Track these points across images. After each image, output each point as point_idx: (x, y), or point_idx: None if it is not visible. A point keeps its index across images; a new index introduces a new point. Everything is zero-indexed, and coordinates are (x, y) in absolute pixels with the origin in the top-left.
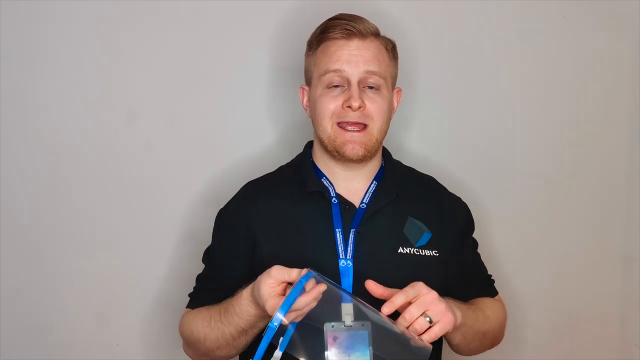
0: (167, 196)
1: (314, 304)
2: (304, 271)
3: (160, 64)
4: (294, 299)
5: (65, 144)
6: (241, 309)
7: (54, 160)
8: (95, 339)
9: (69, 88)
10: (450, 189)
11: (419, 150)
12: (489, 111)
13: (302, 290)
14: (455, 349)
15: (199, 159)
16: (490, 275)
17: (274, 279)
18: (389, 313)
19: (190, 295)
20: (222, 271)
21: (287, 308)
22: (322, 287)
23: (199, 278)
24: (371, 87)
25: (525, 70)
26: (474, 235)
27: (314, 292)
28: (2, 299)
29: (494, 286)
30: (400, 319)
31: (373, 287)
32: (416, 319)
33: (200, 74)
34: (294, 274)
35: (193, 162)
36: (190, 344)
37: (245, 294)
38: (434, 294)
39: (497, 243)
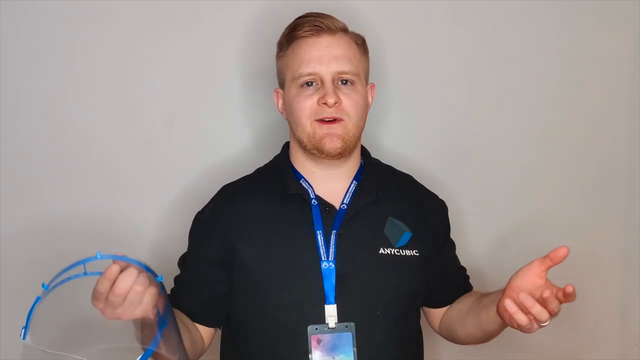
0: (149, 198)
1: (106, 283)
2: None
3: (150, 66)
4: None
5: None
6: None
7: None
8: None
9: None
10: (433, 189)
11: (394, 148)
12: (487, 111)
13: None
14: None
15: (174, 161)
16: (466, 270)
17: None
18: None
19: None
20: (198, 276)
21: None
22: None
23: (176, 280)
24: (345, 83)
25: (521, 69)
26: (456, 234)
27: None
28: (2, 299)
29: (469, 281)
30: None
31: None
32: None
33: (174, 77)
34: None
35: (168, 165)
36: None
37: None
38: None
39: (496, 243)
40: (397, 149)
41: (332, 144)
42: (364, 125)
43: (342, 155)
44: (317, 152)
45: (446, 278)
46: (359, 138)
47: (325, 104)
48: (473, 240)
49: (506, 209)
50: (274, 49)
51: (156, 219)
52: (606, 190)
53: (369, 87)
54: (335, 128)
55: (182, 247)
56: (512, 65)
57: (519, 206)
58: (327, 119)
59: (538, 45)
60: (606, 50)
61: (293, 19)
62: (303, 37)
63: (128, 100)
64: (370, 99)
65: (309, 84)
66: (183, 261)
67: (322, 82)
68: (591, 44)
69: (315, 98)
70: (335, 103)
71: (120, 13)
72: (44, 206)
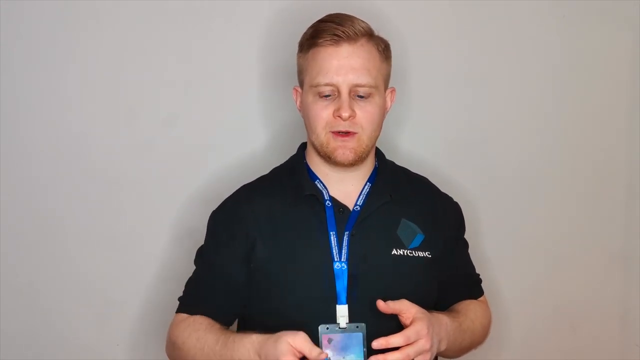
0: (163, 197)
1: None
2: (323, 355)
3: (155, 65)
4: None
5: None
6: (240, 351)
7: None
8: (95, 338)
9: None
10: (447, 191)
11: (411, 150)
12: (486, 111)
13: None
14: None
15: (191, 160)
16: (478, 275)
17: (296, 344)
18: (378, 347)
19: (181, 299)
20: (220, 275)
21: None
22: None
23: (191, 283)
24: (362, 96)
25: (523, 69)
26: (469, 235)
27: None
28: (2, 299)
29: (481, 286)
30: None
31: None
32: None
33: (192, 75)
34: (314, 352)
35: (186, 163)
36: (176, 354)
37: (254, 339)
38: (428, 342)
39: (495, 243)
40: (413, 149)
41: (344, 157)
42: (379, 134)
43: (353, 165)
44: (328, 160)
45: (454, 281)
46: (373, 146)
47: (339, 116)
48: (486, 242)
49: (521, 209)
50: (292, 49)
51: (170, 218)
52: (606, 190)
53: (388, 91)
54: (349, 141)
55: (200, 242)
56: (527, 67)
57: (530, 207)
58: (341, 132)
59: (557, 44)
60: (608, 50)
61: (315, 17)
62: (322, 46)
63: (142, 100)
64: (389, 103)
65: (326, 95)
66: (201, 260)
67: (338, 92)
68: (594, 43)
69: (330, 109)
70: (350, 117)
71: (142, 11)
72: (45, 206)
